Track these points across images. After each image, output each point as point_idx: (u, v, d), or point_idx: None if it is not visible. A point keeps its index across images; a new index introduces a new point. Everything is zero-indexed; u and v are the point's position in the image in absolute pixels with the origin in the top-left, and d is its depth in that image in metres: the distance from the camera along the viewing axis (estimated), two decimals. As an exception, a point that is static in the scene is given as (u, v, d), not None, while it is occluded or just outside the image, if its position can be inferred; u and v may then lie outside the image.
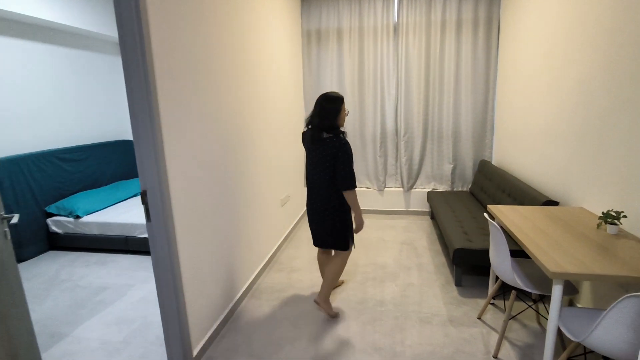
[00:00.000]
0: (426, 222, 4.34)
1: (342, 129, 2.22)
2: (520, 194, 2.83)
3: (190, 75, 1.93)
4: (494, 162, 4.22)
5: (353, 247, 2.49)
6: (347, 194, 2.17)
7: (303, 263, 3.26)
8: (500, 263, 1.93)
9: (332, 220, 2.27)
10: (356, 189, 2.17)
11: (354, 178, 2.14)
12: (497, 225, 1.89)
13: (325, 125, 2.16)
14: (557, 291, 1.52)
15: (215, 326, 2.23)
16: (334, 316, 2.42)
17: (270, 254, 3.27)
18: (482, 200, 3.68)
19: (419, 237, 3.82)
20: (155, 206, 1.69)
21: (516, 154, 3.51)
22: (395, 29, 4.25)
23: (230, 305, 2.45)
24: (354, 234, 2.52)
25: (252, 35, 2.79)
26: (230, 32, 2.39)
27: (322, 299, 2.35)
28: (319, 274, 3.04)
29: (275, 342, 2.20)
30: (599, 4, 2.18)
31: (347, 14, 4.27)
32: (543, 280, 1.93)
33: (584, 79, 2.34)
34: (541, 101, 2.95)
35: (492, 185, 3.52)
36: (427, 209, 4.56)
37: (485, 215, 2.13)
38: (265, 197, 3.14)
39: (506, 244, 1.85)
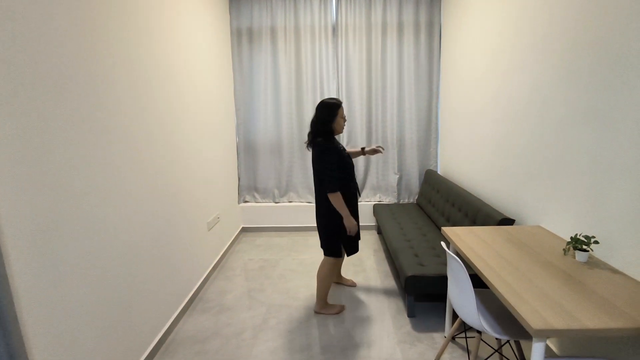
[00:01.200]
0: (372, 237, 4.04)
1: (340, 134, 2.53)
2: (473, 209, 2.60)
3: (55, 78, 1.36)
4: (440, 172, 4.04)
5: (346, 253, 2.51)
6: (329, 197, 2.24)
7: (236, 298, 2.74)
8: (464, 306, 1.61)
9: (322, 224, 2.40)
10: (337, 193, 2.23)
11: (333, 182, 2.20)
12: (458, 260, 1.57)
13: (318, 130, 2.28)
14: (538, 350, 1.21)
15: (104, 411, 1.65)
16: (340, 311, 2.53)
17: (194, 290, 2.72)
18: (430, 214, 3.44)
19: (366, 256, 3.48)
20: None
21: (463, 163, 3.32)
22: (334, 29, 3.92)
23: (132, 373, 1.87)
24: (352, 239, 2.45)
25: (168, 34, 2.25)
26: (138, 32, 1.84)
27: (320, 307, 2.51)
28: (253, 312, 2.55)
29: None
30: (549, 2, 1.99)
31: (281, 11, 3.85)
32: (513, 321, 1.64)
33: (535, 85, 2.14)
34: (488, 109, 2.75)
35: (440, 198, 3.29)
36: (373, 223, 4.27)
37: (443, 244, 1.81)
38: (186, 223, 2.58)
39: (471, 289, 1.53)
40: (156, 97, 2.21)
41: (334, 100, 2.28)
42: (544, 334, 1.15)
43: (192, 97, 2.78)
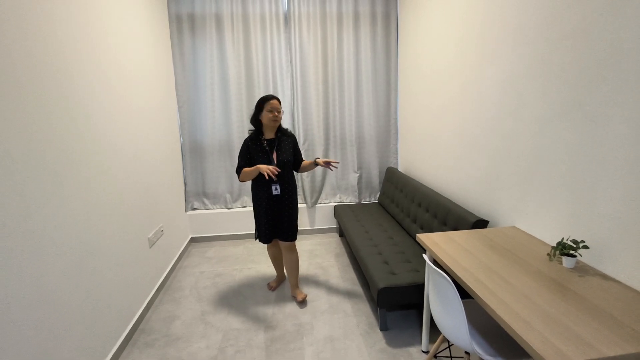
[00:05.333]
0: (334, 239, 3.82)
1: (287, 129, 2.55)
2: (442, 211, 2.46)
3: None
4: (400, 169, 3.92)
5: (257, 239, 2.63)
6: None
7: (186, 325, 2.38)
8: (453, 328, 1.42)
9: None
10: (241, 177, 2.41)
11: (236, 168, 2.45)
12: (448, 279, 1.37)
13: (251, 123, 2.47)
14: (551, 385, 1.04)
15: None
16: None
17: (134, 320, 2.31)
18: (394, 214, 3.29)
19: (329, 263, 3.25)
20: None
21: (426, 161, 3.20)
22: (286, 19, 3.61)
23: None
24: (259, 224, 2.58)
25: (91, 18, 1.81)
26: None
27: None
28: (208, 341, 2.21)
29: None
30: (522, -10, 1.86)
31: (226, -4, 3.47)
32: (506, 340, 1.48)
33: (507, 79, 2.02)
34: (455, 104, 2.62)
35: (405, 198, 3.14)
36: (334, 225, 4.05)
37: (425, 257, 1.61)
38: (121, 241, 2.16)
39: (462, 309, 1.34)
40: (81, 94, 1.78)
41: (265, 95, 2.39)
42: (562, 370, 0.98)
43: (124, 92, 2.34)
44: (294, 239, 2.58)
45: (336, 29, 3.65)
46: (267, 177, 2.22)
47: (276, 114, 2.37)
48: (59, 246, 1.59)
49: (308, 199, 3.89)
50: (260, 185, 2.46)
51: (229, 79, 3.61)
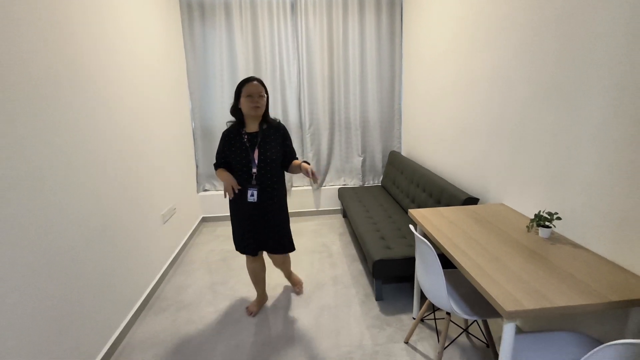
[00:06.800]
0: (338, 220, 3.98)
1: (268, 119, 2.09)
2: (438, 190, 2.58)
3: None
4: (403, 153, 4.03)
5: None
6: None
7: (196, 293, 2.58)
8: (434, 289, 1.57)
9: None
10: (217, 171, 2.11)
11: (214, 164, 2.15)
12: (427, 242, 1.52)
13: (231, 114, 2.07)
14: (509, 331, 1.19)
15: None
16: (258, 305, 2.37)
17: (149, 289, 2.52)
18: (395, 196, 3.43)
19: (331, 241, 3.42)
20: None
21: (426, 144, 3.31)
22: (293, 6, 3.72)
23: (79, 385, 1.69)
24: (237, 234, 2.19)
25: (104, 7, 1.98)
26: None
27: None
28: (216, 307, 2.41)
29: None
30: (512, -23, 1.94)
31: (234, -16, 3.59)
32: (480, 301, 1.63)
33: (497, 65, 2.12)
34: (450, 89, 2.72)
35: (405, 179, 3.27)
36: (339, 207, 4.21)
37: (411, 227, 1.76)
38: (138, 216, 2.37)
39: (441, 271, 1.49)
40: (98, 81, 1.96)
41: (245, 78, 1.97)
42: (517, 315, 1.12)
43: (138, 79, 2.51)
44: (287, 250, 2.20)
45: (342, 16, 3.74)
46: (231, 192, 1.95)
47: (256, 100, 1.92)
48: (84, 217, 1.79)
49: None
50: (241, 202, 2.06)
51: (238, 66, 3.75)
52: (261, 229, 2.09)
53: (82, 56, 1.86)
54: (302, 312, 2.33)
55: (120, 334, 2.06)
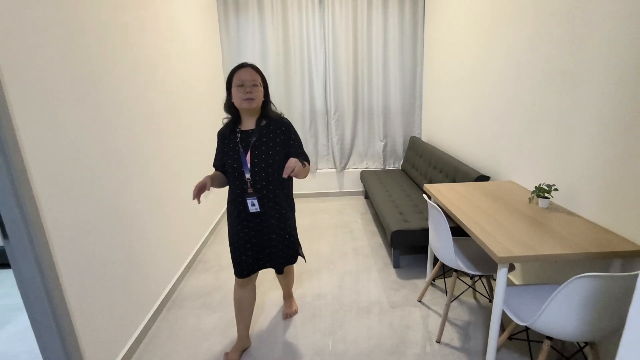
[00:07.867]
0: (360, 202, 4.26)
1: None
2: (453, 170, 2.81)
3: (60, 65, 1.46)
4: (423, 139, 4.24)
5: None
6: None
7: (232, 259, 2.94)
8: (443, 248, 1.83)
9: None
10: (215, 171, 1.77)
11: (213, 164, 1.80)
12: (437, 207, 1.77)
13: (224, 110, 1.71)
14: (502, 274, 1.44)
15: (124, 351, 1.84)
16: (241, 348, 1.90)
17: (194, 252, 2.89)
18: (414, 178, 3.66)
19: (353, 219, 3.71)
20: (13, 219, 1.25)
21: (445, 130, 3.51)
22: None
23: (145, 320, 2.06)
24: (235, 254, 1.76)
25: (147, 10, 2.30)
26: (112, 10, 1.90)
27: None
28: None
29: (202, 358, 1.88)
30: (524, -28, 2.12)
31: (267, -20, 3.86)
32: (484, 260, 1.87)
33: (511, 52, 2.31)
34: (469, 76, 2.92)
35: (424, 162, 3.50)
36: (361, 189, 4.48)
37: (425, 196, 2.01)
38: (182, 192, 2.72)
39: (448, 230, 1.74)
40: (157, 76, 2.30)
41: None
42: (507, 260, 1.37)
43: (186, 70, 2.85)
44: (291, 262, 1.87)
45: (366, 8, 3.95)
46: (194, 196, 1.53)
47: (249, 89, 1.56)
48: (149, 191, 2.14)
49: (337, 163, 4.33)
50: (231, 199, 1.72)
51: (269, 58, 4.04)
52: (261, 245, 1.75)
53: (149, 55, 2.19)
54: (326, 276, 2.63)
55: (172, 287, 2.44)
